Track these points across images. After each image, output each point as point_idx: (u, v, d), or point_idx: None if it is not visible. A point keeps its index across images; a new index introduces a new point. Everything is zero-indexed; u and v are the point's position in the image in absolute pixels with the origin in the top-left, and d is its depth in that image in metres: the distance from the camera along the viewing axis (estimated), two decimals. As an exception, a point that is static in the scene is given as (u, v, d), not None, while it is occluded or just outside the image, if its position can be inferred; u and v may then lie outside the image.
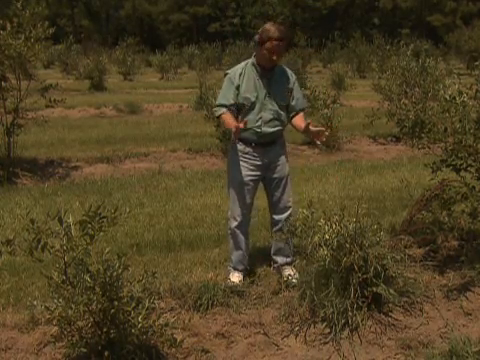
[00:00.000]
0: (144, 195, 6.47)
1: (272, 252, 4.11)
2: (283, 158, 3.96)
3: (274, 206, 3.98)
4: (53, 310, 2.68)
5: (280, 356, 3.16)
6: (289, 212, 3.92)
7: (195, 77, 19.57)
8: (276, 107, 3.81)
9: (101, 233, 2.69)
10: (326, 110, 9.40)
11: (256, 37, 3.75)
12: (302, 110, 3.96)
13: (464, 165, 3.99)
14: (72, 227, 2.69)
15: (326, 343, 3.22)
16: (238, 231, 3.95)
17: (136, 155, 8.55)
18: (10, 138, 7.40)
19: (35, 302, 2.86)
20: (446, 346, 3.05)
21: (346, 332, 3.25)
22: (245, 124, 3.56)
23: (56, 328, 2.91)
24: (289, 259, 4.04)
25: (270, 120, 3.81)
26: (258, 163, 3.86)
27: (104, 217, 2.68)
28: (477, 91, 3.96)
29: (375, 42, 27.25)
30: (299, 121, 3.89)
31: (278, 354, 3.17)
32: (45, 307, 2.73)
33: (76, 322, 2.76)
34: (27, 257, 2.68)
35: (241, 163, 3.86)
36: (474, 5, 51.43)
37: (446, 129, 3.88)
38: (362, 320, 3.27)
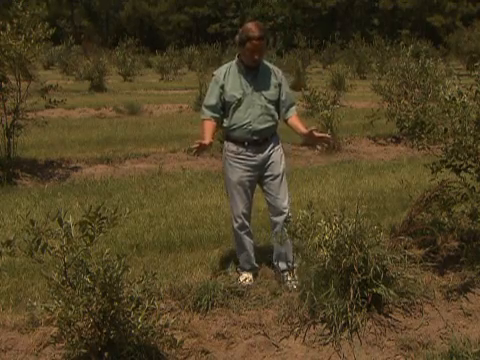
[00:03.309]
0: (144, 196, 6.46)
1: (273, 258, 4.07)
2: (276, 156, 3.91)
3: (271, 207, 3.96)
4: (53, 311, 2.68)
5: (280, 357, 3.15)
6: (284, 216, 3.84)
7: (195, 78, 19.51)
8: (265, 102, 3.80)
9: (101, 234, 2.69)
10: (326, 111, 9.39)
11: (237, 38, 3.75)
12: (292, 105, 3.95)
13: (464, 166, 3.99)
14: (72, 228, 2.69)
15: (326, 344, 3.22)
16: (240, 232, 3.96)
17: (136, 156, 8.55)
18: (10, 139, 7.39)
19: (35, 303, 2.86)
20: (446, 347, 3.06)
21: (346, 333, 3.24)
22: (209, 145, 3.68)
23: (56, 329, 2.91)
24: (290, 265, 3.98)
25: (259, 115, 3.79)
26: (252, 163, 3.84)
27: (104, 218, 2.68)
28: (477, 92, 3.95)
29: (375, 43, 27.25)
30: (298, 124, 3.90)
31: (278, 355, 3.17)
32: (45, 308, 2.73)
33: (76, 323, 2.75)
34: (27, 258, 2.68)
35: (236, 165, 3.85)
36: (474, 6, 51.46)
37: (446, 130, 3.88)
38: (362, 321, 3.27)
